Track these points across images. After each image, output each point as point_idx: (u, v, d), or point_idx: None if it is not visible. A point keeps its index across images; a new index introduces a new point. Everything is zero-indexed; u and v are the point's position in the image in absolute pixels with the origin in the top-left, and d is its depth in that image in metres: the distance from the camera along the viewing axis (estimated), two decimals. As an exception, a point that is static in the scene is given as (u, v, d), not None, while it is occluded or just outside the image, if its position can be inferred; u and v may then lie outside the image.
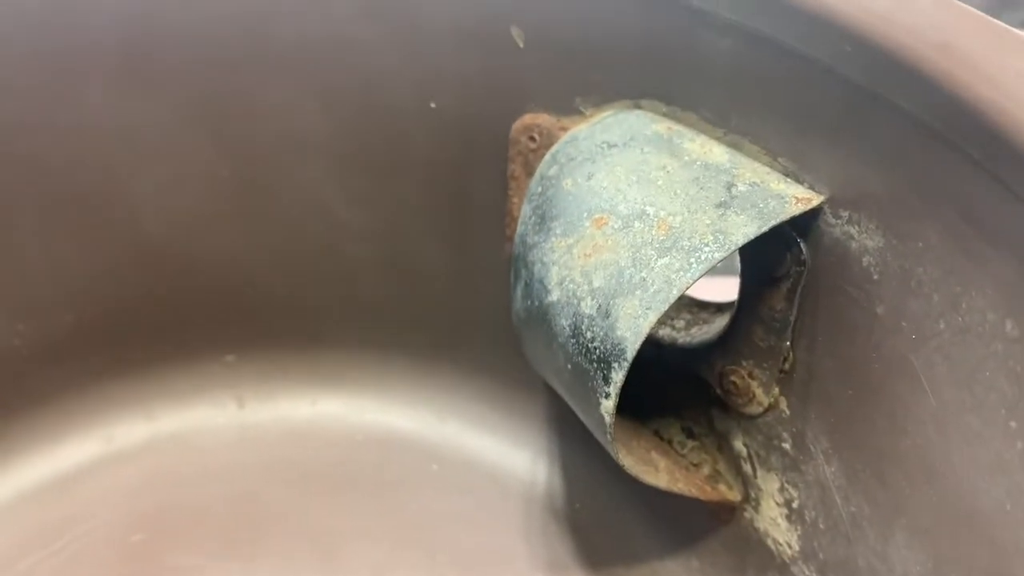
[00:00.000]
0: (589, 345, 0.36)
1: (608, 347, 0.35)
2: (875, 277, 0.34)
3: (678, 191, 0.37)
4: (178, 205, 0.52)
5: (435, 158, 0.50)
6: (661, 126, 0.40)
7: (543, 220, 0.40)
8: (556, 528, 0.55)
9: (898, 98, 0.31)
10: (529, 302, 0.40)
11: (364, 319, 0.59)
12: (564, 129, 0.45)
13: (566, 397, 0.41)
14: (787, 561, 0.44)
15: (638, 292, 0.35)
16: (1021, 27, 0.32)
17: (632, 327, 0.34)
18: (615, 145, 0.40)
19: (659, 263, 0.35)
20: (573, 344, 0.37)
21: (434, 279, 0.56)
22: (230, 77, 0.48)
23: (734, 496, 0.46)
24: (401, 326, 0.59)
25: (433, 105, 0.48)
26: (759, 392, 0.42)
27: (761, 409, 0.42)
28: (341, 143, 0.51)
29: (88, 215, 0.50)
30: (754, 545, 0.46)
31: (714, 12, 0.37)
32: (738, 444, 0.45)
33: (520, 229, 0.42)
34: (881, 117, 0.32)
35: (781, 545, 0.44)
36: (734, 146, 0.39)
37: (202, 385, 0.59)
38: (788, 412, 0.41)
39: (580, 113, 0.45)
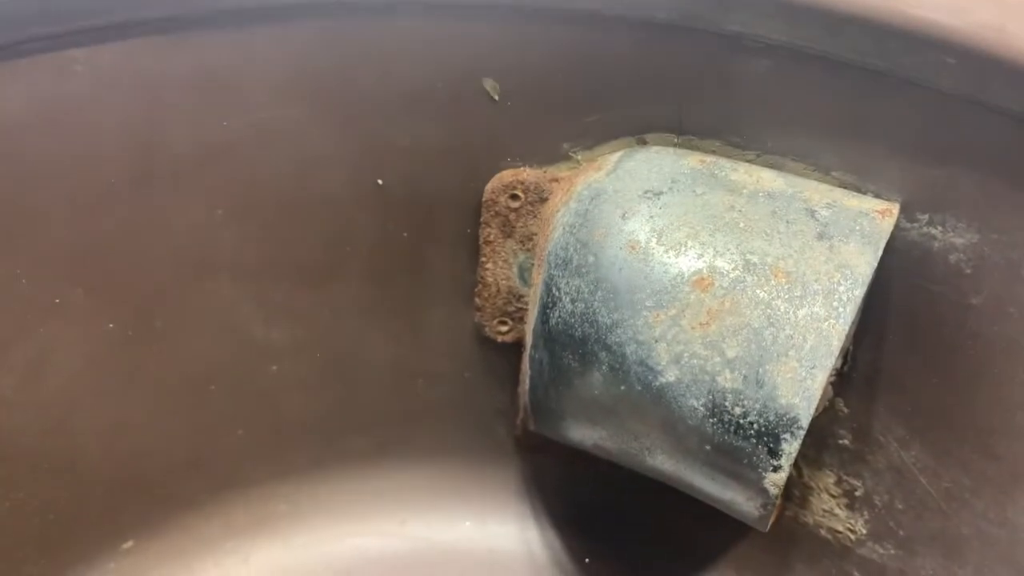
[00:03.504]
0: (741, 421, 0.32)
1: (771, 419, 0.32)
2: (967, 271, 0.35)
3: (767, 230, 0.34)
4: (48, 386, 0.38)
5: (381, 244, 0.42)
6: (693, 160, 0.37)
7: (616, 294, 0.35)
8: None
9: (1004, 101, 0.31)
10: (623, 387, 0.35)
11: (291, 446, 0.49)
12: (555, 180, 0.40)
13: (684, 479, 0.37)
14: (850, 545, 0.45)
15: (791, 353, 0.32)
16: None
17: (800, 392, 0.31)
18: (661, 192, 0.36)
19: (800, 316, 0.32)
20: (714, 423, 0.33)
21: (377, 376, 0.47)
22: (106, 211, 0.35)
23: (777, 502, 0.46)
24: (335, 437, 0.49)
25: (380, 182, 0.40)
26: (812, 399, 0.42)
27: (814, 414, 0.42)
28: (255, 255, 0.40)
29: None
30: (801, 539, 0.47)
31: (753, 34, 0.34)
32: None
33: (572, 308, 0.36)
34: (978, 122, 0.32)
35: (840, 533, 0.45)
36: (775, 167, 0.37)
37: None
38: (847, 410, 0.42)
39: (571, 159, 0.40)
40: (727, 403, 0.33)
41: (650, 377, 0.34)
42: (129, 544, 0.46)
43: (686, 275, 0.34)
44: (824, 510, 0.45)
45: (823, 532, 0.46)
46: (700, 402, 0.33)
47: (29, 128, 0.33)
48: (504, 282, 0.43)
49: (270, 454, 0.48)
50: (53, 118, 0.33)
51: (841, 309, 0.32)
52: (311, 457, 0.49)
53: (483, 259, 0.42)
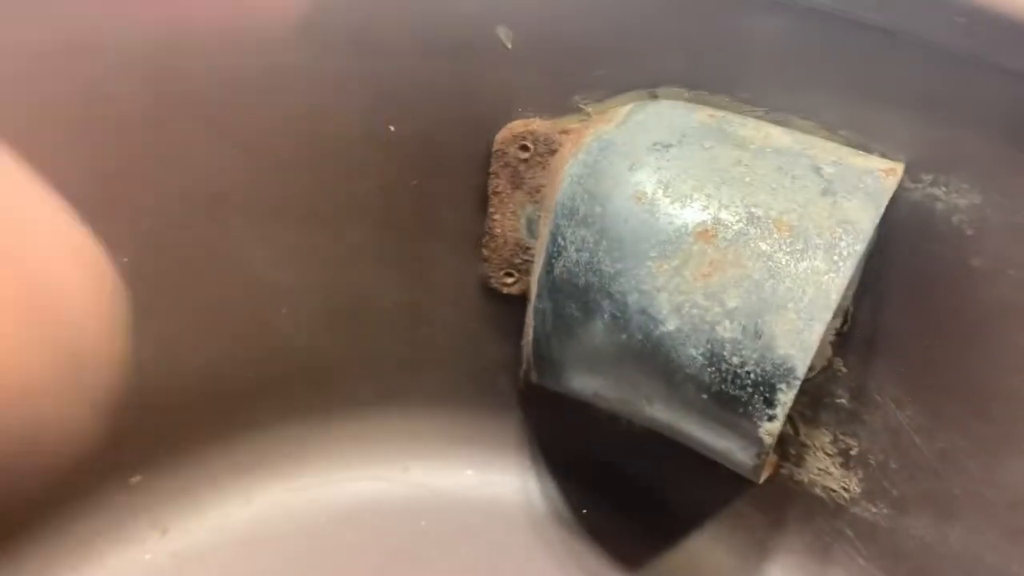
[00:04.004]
0: (738, 371, 0.33)
1: (768, 368, 0.33)
2: (968, 233, 0.35)
3: (773, 185, 0.34)
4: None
5: (391, 191, 0.42)
6: (702, 115, 0.37)
7: (621, 243, 0.35)
8: (571, 537, 0.52)
9: (1014, 62, 0.31)
10: (624, 336, 0.36)
11: (298, 389, 0.50)
12: (565, 132, 0.40)
13: (681, 428, 0.38)
14: (843, 504, 0.46)
15: (790, 305, 0.32)
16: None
17: (797, 343, 0.32)
18: (670, 145, 0.36)
19: (801, 268, 0.32)
20: (711, 373, 0.34)
21: (385, 323, 0.48)
22: (119, 142, 0.36)
23: (774, 460, 0.47)
24: (341, 382, 0.50)
25: (392, 128, 0.40)
26: (811, 358, 0.42)
27: (812, 373, 0.43)
28: (268, 195, 0.41)
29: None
30: (795, 497, 0.47)
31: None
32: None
33: (576, 257, 0.37)
34: (986, 82, 0.32)
35: (834, 491, 0.46)
36: (782, 124, 0.37)
37: (114, 518, 0.46)
38: (845, 370, 0.42)
39: (581, 111, 0.40)
40: (725, 352, 0.33)
41: (651, 326, 0.35)
42: (137, 479, 0.47)
43: (690, 226, 0.34)
44: (819, 469, 0.46)
45: (817, 490, 0.46)
46: (699, 351, 0.34)
47: (44, 57, 0.34)
48: (512, 233, 0.43)
49: (277, 396, 0.49)
50: (67, 46, 0.34)
51: (841, 263, 0.32)
52: (316, 401, 0.50)
53: (491, 210, 0.43)
